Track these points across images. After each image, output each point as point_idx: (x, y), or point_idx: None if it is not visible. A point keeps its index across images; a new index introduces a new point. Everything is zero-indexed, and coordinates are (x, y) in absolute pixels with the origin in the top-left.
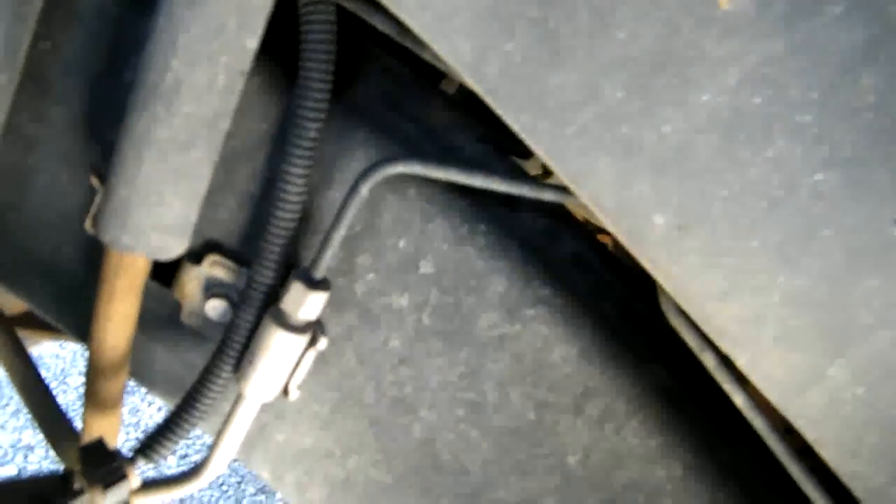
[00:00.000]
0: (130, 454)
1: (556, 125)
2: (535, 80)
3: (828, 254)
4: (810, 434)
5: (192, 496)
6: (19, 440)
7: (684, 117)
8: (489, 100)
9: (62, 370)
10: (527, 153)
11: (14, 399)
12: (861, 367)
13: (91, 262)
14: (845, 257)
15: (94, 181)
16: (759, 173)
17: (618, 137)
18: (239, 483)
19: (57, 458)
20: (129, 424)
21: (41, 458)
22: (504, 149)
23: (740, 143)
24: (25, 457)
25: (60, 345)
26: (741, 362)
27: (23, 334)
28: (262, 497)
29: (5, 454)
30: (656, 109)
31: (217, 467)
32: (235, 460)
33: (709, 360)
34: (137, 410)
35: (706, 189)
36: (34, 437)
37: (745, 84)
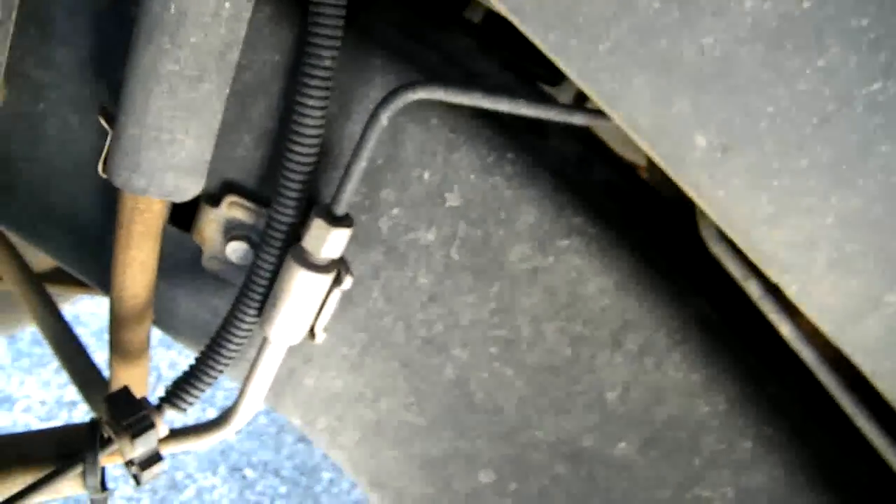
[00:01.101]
0: (157, 402)
1: (588, 42)
2: None
3: (885, 171)
4: (866, 365)
5: (231, 446)
6: (62, 396)
7: (726, 27)
8: (514, 19)
9: (100, 328)
10: (555, 80)
11: None
12: None
13: (109, 209)
14: None
15: (103, 122)
16: (809, 86)
17: (655, 52)
18: (278, 432)
19: (91, 410)
20: (166, 379)
21: (85, 413)
22: (531, 76)
23: (788, 53)
24: (70, 412)
25: (97, 303)
26: (791, 291)
27: (55, 290)
28: (301, 445)
29: (50, 410)
30: (696, 19)
31: (245, 414)
32: (273, 409)
33: (753, 290)
34: (175, 364)
35: (751, 105)
36: (78, 393)
37: None
